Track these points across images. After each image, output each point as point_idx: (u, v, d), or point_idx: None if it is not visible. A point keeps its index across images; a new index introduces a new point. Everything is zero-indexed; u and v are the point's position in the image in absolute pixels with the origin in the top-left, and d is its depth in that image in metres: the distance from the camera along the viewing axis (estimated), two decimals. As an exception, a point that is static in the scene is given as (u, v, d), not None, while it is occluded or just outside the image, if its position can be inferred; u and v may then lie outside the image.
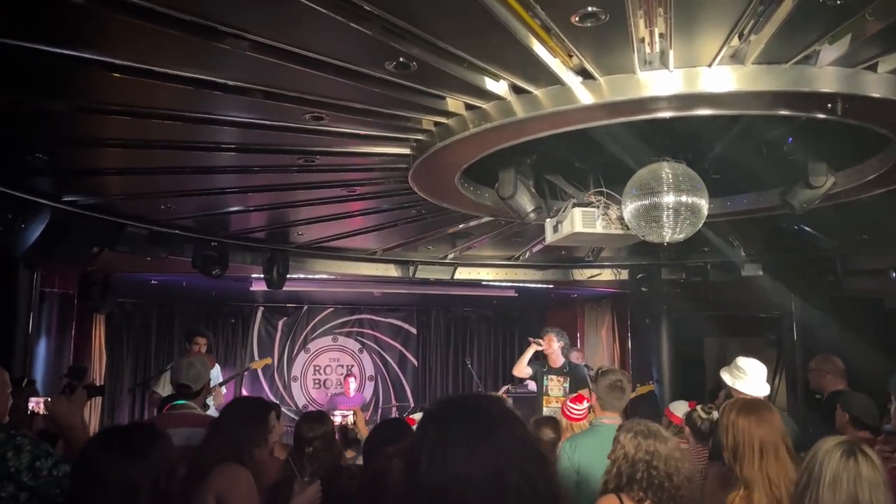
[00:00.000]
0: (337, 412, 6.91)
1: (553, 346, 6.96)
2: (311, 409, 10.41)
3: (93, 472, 2.15)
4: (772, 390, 8.30)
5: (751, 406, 3.12)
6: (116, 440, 2.22)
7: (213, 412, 5.09)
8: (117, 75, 3.09)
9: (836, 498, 2.10)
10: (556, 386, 7.06)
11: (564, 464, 3.79)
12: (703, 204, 4.18)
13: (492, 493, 1.21)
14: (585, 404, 4.62)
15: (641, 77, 3.15)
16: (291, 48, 2.88)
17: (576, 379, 6.80)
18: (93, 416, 8.27)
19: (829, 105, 3.24)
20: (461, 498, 1.20)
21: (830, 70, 3.09)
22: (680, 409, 4.97)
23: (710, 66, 3.09)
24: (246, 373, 9.90)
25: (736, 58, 3.08)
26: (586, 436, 4.02)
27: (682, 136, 4.35)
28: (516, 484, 1.23)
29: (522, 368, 7.14)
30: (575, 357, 8.16)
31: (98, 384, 7.10)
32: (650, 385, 7.78)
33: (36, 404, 3.52)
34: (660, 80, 3.15)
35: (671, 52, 2.98)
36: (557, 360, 7.01)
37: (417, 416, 4.45)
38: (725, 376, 4.51)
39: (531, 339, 7.11)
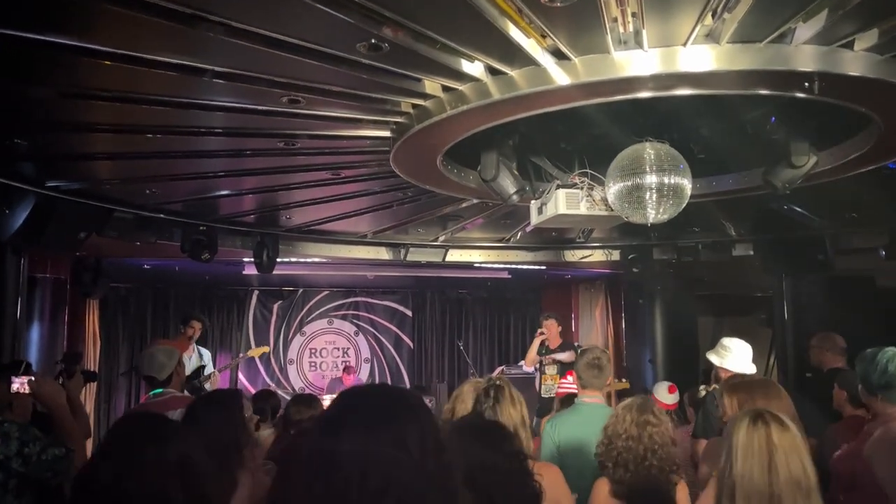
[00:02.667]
0: (325, 396, 7.04)
1: (553, 330, 7.62)
2: (307, 392, 10.45)
3: None
4: (766, 369, 8.33)
5: (757, 384, 3.14)
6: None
7: None
8: (107, 62, 3.08)
9: (749, 462, 2.13)
10: (552, 366, 7.46)
11: (546, 442, 3.85)
12: (686, 184, 4.16)
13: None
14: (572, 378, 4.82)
15: (616, 57, 3.12)
16: (261, 31, 2.85)
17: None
18: (88, 401, 8.31)
19: (807, 84, 3.20)
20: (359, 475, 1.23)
21: (806, 48, 3.06)
22: (661, 391, 5.01)
23: (685, 45, 3.06)
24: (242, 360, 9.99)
25: (711, 37, 3.05)
26: (567, 415, 4.06)
27: (666, 117, 4.31)
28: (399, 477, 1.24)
29: (532, 360, 7.71)
30: None
31: (91, 370, 7.11)
32: (624, 383, 7.78)
33: (21, 385, 3.50)
34: (635, 60, 3.12)
35: (644, 32, 2.96)
36: (556, 342, 7.59)
37: None
38: (712, 357, 4.54)
39: (539, 331, 7.69)
